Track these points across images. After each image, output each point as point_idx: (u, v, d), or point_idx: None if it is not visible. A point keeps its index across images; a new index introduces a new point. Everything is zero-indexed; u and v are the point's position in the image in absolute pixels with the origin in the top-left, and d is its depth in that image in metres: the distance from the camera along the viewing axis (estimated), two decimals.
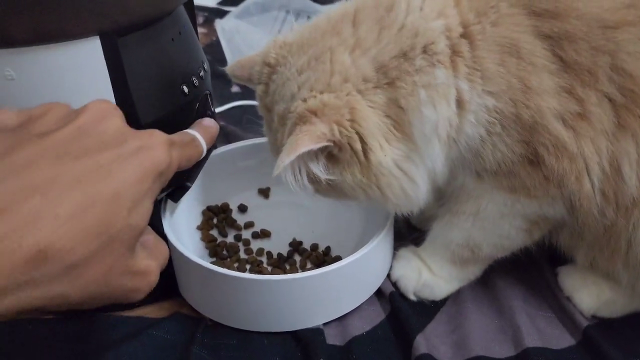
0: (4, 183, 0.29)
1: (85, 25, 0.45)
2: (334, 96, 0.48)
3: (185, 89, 0.56)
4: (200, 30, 1.34)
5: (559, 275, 0.62)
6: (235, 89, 1.08)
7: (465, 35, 0.49)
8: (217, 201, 0.74)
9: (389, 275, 0.63)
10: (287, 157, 0.46)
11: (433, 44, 0.48)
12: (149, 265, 0.36)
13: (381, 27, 0.50)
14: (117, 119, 0.36)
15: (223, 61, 1.17)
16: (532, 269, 0.64)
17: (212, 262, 0.64)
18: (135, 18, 0.48)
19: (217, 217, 0.72)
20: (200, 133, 0.46)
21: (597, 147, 0.49)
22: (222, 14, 1.39)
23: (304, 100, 0.49)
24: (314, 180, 0.50)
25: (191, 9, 0.62)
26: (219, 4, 1.50)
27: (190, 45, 0.58)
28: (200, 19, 1.41)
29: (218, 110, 0.97)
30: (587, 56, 0.47)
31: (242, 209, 0.74)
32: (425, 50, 0.48)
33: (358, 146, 0.48)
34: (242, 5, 1.32)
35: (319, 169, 0.49)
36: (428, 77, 0.48)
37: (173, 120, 0.55)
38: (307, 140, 0.46)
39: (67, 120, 0.34)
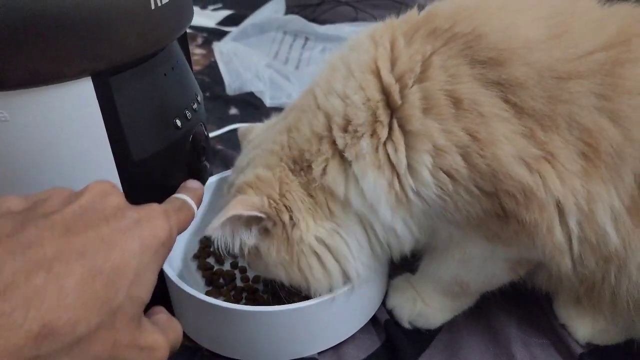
0: (10, 261, 0.30)
1: (79, 67, 0.46)
2: (269, 172, 0.53)
3: (179, 123, 0.56)
4: (199, 51, 1.36)
5: (555, 303, 0.62)
6: (233, 111, 1.09)
7: (386, 100, 0.49)
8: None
9: (384, 303, 0.64)
10: (217, 221, 0.50)
11: (352, 120, 0.49)
12: (156, 340, 0.36)
13: (302, 110, 0.54)
14: (116, 196, 0.37)
15: (221, 83, 1.18)
16: (527, 295, 0.64)
17: (209, 291, 0.65)
18: (129, 57, 0.49)
19: (213, 245, 0.72)
20: (188, 196, 0.47)
21: (572, 187, 0.46)
22: (221, 34, 1.40)
23: (244, 174, 0.55)
24: (242, 248, 0.54)
25: (184, 40, 0.62)
26: (218, 24, 1.51)
27: (183, 78, 0.59)
28: (199, 40, 1.42)
29: (215, 133, 0.98)
30: (543, 103, 0.46)
31: None
32: (345, 128, 0.50)
33: (286, 218, 0.52)
34: (240, 27, 1.33)
35: (249, 239, 0.53)
36: (354, 150, 0.49)
37: (166, 154, 0.55)
38: (239, 206, 0.50)
39: (69, 201, 0.35)
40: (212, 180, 0.71)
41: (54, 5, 0.43)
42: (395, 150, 0.48)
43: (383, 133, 0.48)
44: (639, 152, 0.46)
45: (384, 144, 0.48)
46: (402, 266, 0.68)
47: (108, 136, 0.50)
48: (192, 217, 0.46)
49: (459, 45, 0.48)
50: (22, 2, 0.42)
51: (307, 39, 1.31)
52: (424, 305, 0.61)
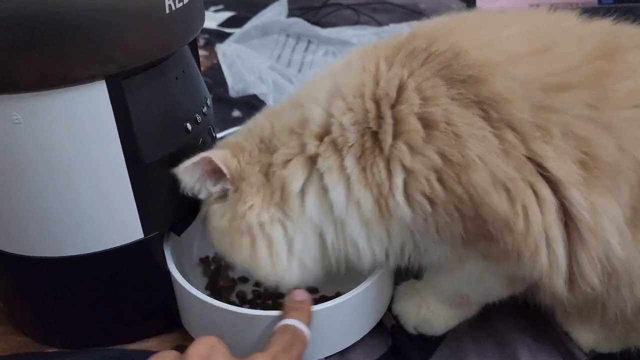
0: None
1: (92, 70, 0.46)
2: (246, 144, 0.55)
3: (189, 126, 0.57)
4: (202, 52, 1.35)
5: (556, 313, 0.63)
6: (236, 113, 1.09)
7: (363, 123, 0.49)
8: None
9: (390, 309, 0.64)
10: (191, 160, 0.52)
11: (335, 137, 0.50)
12: None
13: (288, 103, 0.56)
14: (220, 355, 0.39)
15: (224, 84, 1.18)
16: (530, 308, 0.64)
17: (213, 293, 0.65)
18: (141, 60, 0.49)
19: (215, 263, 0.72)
20: (296, 317, 0.49)
21: (571, 200, 0.45)
22: (223, 36, 1.40)
23: (228, 138, 0.58)
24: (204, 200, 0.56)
25: (194, 43, 0.63)
26: (220, 25, 1.51)
27: (193, 82, 0.59)
28: (201, 42, 1.42)
29: (219, 135, 0.98)
30: (533, 113, 0.45)
31: None
32: (321, 138, 0.51)
33: (238, 187, 0.54)
34: (242, 29, 1.33)
35: (211, 188, 0.55)
36: (328, 163, 0.50)
37: (176, 157, 0.55)
38: (214, 154, 0.53)
39: None
40: None
41: (67, 7, 0.43)
42: (379, 172, 0.48)
43: (370, 156, 0.48)
44: (634, 163, 0.45)
45: (371, 165, 0.48)
46: (407, 272, 0.68)
47: (120, 139, 0.50)
48: (306, 345, 0.47)
49: (435, 65, 0.47)
50: (36, 4, 0.42)
51: (309, 42, 1.31)
52: (429, 312, 0.61)
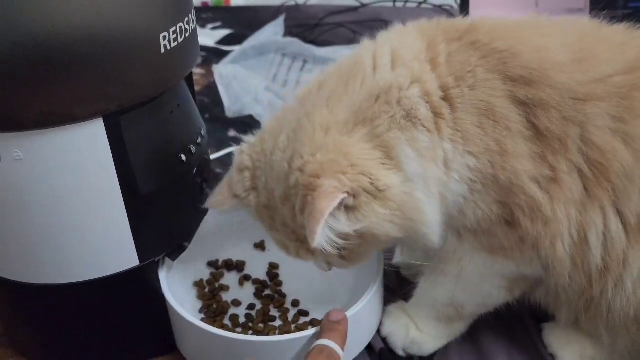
0: None
1: (91, 109, 0.48)
2: (325, 151, 0.49)
3: (183, 157, 0.59)
4: (198, 71, 1.38)
5: (544, 332, 0.65)
6: (232, 133, 1.11)
7: (445, 98, 0.51)
8: (214, 256, 0.76)
9: (379, 331, 0.66)
10: (316, 227, 0.46)
11: (413, 109, 0.50)
12: None
13: (346, 83, 0.53)
14: None
15: (221, 104, 1.20)
16: (516, 325, 0.66)
17: (207, 316, 0.67)
18: (139, 98, 0.51)
19: (209, 286, 0.73)
20: (332, 338, 0.49)
21: (568, 214, 0.50)
22: (220, 54, 1.42)
23: (301, 170, 0.50)
24: (344, 238, 0.50)
25: (189, 76, 0.65)
26: (218, 43, 1.53)
27: (188, 114, 0.61)
28: (198, 60, 1.44)
29: (215, 156, 1.00)
30: (558, 125, 0.49)
31: (239, 265, 0.76)
32: (408, 115, 0.50)
33: (367, 184, 0.48)
34: (239, 49, 1.35)
35: (345, 225, 0.49)
36: (412, 136, 0.50)
37: (171, 187, 0.58)
38: (324, 202, 0.46)
39: None
40: None
41: (70, 50, 0.45)
42: (454, 148, 0.50)
43: (446, 130, 0.50)
44: None
45: (445, 140, 0.50)
46: (395, 294, 0.70)
47: (117, 172, 0.52)
48: None
49: (495, 60, 0.51)
50: (39, 46, 0.44)
51: (305, 61, 1.33)
52: (418, 332, 0.63)
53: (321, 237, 0.47)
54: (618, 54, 0.51)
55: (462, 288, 0.59)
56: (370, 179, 0.49)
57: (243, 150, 0.57)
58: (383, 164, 0.50)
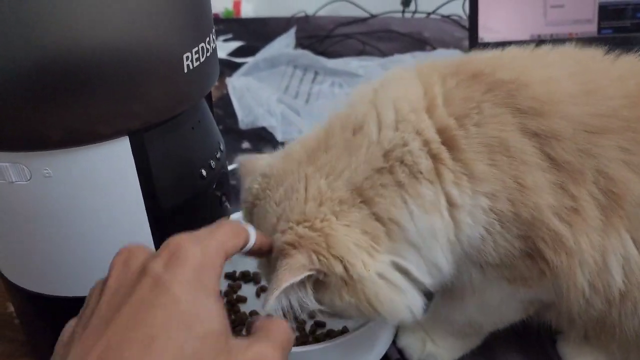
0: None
1: (116, 127, 0.50)
2: (309, 226, 0.50)
3: (204, 172, 0.60)
4: None
5: (558, 343, 0.66)
6: (245, 144, 1.13)
7: (445, 141, 0.50)
8: (231, 268, 0.77)
9: (394, 342, 0.67)
10: (272, 294, 0.47)
11: (415, 163, 0.49)
12: (257, 352, 0.35)
13: (350, 151, 0.52)
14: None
15: (234, 116, 1.22)
16: (530, 336, 0.67)
17: None
18: (162, 116, 0.53)
19: (227, 298, 0.74)
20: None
21: (591, 242, 0.50)
22: (233, 65, 1.44)
23: (282, 233, 0.51)
24: (306, 309, 0.51)
25: (208, 93, 0.66)
26: (230, 55, 1.56)
27: (208, 130, 0.63)
28: (217, 77, 1.46)
29: (229, 168, 1.01)
30: (575, 156, 0.49)
31: (256, 276, 0.77)
32: (410, 171, 0.50)
33: (340, 269, 0.48)
34: (251, 61, 1.37)
35: (308, 299, 0.50)
36: (416, 192, 0.49)
37: (192, 202, 0.59)
38: (287, 274, 0.47)
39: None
40: (234, 217, 0.74)
41: (92, 68, 0.47)
42: (460, 192, 0.49)
43: (449, 176, 0.49)
44: None
45: (449, 186, 0.50)
46: None
47: (141, 188, 0.54)
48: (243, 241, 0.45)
49: (502, 92, 0.50)
50: (64, 64, 0.46)
51: (316, 73, 1.35)
52: (433, 346, 0.64)
53: (275, 303, 0.47)
54: (620, 87, 0.52)
55: (482, 312, 0.60)
56: (344, 265, 0.48)
57: (256, 180, 0.57)
58: (369, 248, 0.49)
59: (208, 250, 0.39)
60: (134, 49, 0.49)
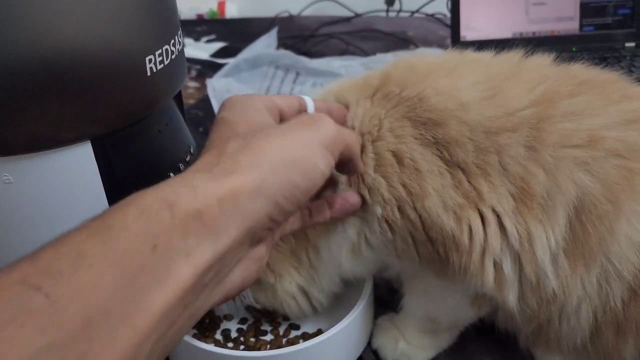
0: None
1: (78, 132, 0.49)
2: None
3: (172, 175, 0.59)
4: (193, 84, 1.39)
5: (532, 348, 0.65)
6: None
7: None
8: None
9: (369, 344, 0.66)
10: None
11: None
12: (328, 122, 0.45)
13: None
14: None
15: (214, 117, 1.21)
16: (506, 337, 0.67)
17: (198, 332, 0.68)
18: (125, 120, 0.52)
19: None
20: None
21: (504, 226, 0.50)
22: (215, 66, 1.44)
23: None
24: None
25: (178, 95, 0.66)
26: (212, 56, 1.55)
27: (176, 133, 0.62)
28: (193, 73, 1.46)
29: None
30: (474, 155, 0.50)
31: None
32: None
33: (272, 280, 0.60)
34: (232, 62, 1.37)
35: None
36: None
37: None
38: None
39: None
40: None
41: (53, 73, 0.46)
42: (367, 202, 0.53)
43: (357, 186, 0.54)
44: (567, 197, 0.50)
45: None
46: (386, 306, 0.71)
47: (105, 193, 0.53)
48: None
49: (404, 107, 0.53)
50: (24, 69, 0.45)
51: (298, 73, 1.35)
52: (406, 344, 0.64)
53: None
54: (526, 91, 0.53)
55: (431, 302, 0.61)
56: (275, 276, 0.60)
57: None
58: (294, 265, 0.60)
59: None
60: (94, 53, 0.48)
